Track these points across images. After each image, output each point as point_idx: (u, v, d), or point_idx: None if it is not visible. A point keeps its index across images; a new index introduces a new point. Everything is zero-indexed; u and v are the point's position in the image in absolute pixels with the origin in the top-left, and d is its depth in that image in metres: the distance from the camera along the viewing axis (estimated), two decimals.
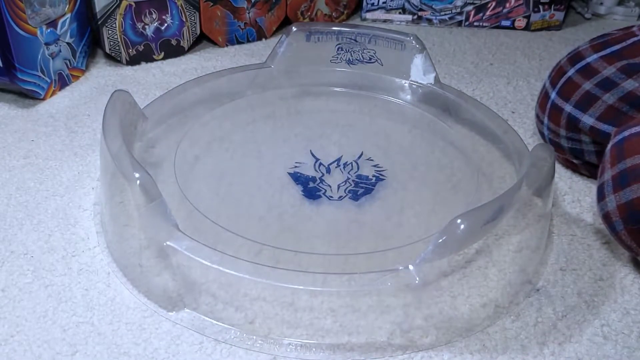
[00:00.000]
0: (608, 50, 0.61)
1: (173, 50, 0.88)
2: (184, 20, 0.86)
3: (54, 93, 0.78)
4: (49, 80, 0.76)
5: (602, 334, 0.49)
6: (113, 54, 0.84)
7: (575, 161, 0.65)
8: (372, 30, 0.75)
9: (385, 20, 1.02)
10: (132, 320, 0.48)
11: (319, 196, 0.61)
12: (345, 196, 0.61)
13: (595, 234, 0.59)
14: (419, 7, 1.01)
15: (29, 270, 0.52)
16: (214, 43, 0.92)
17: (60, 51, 0.77)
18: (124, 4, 0.81)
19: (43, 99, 0.76)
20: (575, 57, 0.63)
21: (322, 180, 0.63)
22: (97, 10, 0.80)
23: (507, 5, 0.99)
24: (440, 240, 0.45)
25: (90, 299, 0.50)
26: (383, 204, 0.60)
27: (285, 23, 0.96)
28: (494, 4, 0.99)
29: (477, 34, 1.00)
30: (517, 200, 0.51)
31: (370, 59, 0.75)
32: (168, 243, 0.47)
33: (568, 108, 0.61)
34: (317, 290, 0.48)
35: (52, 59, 0.76)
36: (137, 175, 0.48)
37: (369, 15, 1.02)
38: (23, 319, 0.48)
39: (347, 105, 0.76)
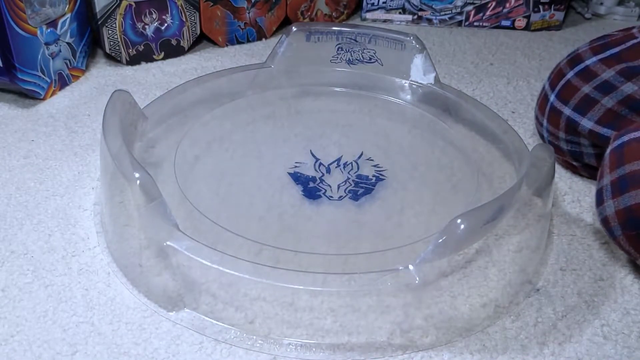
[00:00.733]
0: (607, 53, 0.60)
1: (173, 50, 0.88)
2: (184, 20, 0.86)
3: (54, 93, 0.78)
4: (49, 80, 0.76)
5: (602, 334, 0.49)
6: (113, 54, 0.84)
7: (574, 163, 0.65)
8: (372, 30, 0.75)
9: (385, 20, 1.02)
10: (132, 320, 0.48)
11: (319, 196, 0.61)
12: (345, 196, 0.61)
13: (595, 234, 0.59)
14: (419, 7, 1.01)
15: (29, 270, 0.52)
16: (214, 43, 0.92)
17: (60, 51, 0.77)
18: (124, 4, 0.81)
19: (43, 99, 0.76)
20: (574, 59, 0.63)
21: (322, 180, 0.63)
22: (97, 10, 0.80)
23: (507, 5, 0.99)
24: (440, 240, 0.45)
25: (90, 299, 0.50)
26: (383, 204, 0.60)
27: (285, 23, 0.96)
28: (494, 4, 0.99)
29: (477, 34, 1.00)
30: (517, 200, 0.52)
31: (370, 59, 0.75)
32: (168, 243, 0.47)
33: (567, 111, 0.61)
34: (317, 290, 0.48)
35: (52, 59, 0.76)
36: (137, 175, 0.49)
37: (369, 15, 1.02)
38: (23, 319, 0.48)
39: (347, 105, 0.76)
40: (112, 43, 0.83)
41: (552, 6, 0.99)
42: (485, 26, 1.01)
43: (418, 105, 0.75)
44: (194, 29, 0.88)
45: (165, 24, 0.85)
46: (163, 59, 0.87)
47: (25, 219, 0.58)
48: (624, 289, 0.53)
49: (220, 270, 0.46)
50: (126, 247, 0.54)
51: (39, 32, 0.73)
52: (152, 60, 0.86)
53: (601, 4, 1.07)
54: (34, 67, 0.73)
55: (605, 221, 0.52)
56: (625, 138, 0.52)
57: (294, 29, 0.75)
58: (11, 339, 0.46)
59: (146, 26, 0.84)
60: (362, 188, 0.62)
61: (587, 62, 0.61)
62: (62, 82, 0.79)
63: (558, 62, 0.66)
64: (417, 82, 0.75)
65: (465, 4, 1.00)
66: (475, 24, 1.01)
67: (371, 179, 0.63)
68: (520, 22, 1.01)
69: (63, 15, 0.76)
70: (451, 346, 0.47)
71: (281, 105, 0.76)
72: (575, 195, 0.64)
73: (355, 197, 0.61)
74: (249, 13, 0.91)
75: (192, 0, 0.85)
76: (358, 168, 0.64)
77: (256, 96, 0.75)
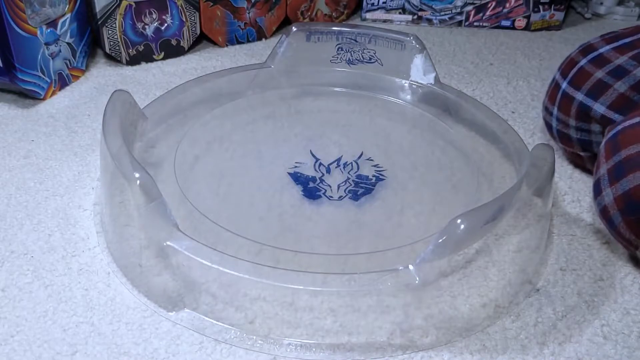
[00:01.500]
0: (620, 42, 0.61)
1: (173, 50, 0.88)
2: (184, 20, 0.86)
3: (54, 93, 0.78)
4: (49, 80, 0.76)
5: (602, 334, 0.49)
6: (113, 54, 0.84)
7: (582, 154, 0.65)
8: (372, 30, 0.75)
9: (385, 20, 1.02)
10: (132, 320, 0.48)
11: (319, 196, 0.61)
12: (345, 196, 0.61)
13: (595, 234, 0.59)
14: (419, 7, 1.01)
15: (29, 270, 0.52)
16: (214, 43, 0.92)
17: (60, 51, 0.77)
18: (124, 4, 0.81)
19: (43, 99, 0.76)
20: (587, 49, 0.63)
21: (322, 180, 0.63)
22: (97, 10, 0.80)
23: (507, 5, 0.99)
24: (440, 240, 0.45)
25: (90, 299, 0.50)
26: (383, 204, 0.60)
27: (285, 23, 0.96)
28: (494, 4, 0.99)
29: (477, 34, 1.00)
30: (517, 200, 0.51)
31: (370, 59, 0.75)
32: (168, 243, 0.47)
33: (579, 97, 0.61)
34: (317, 290, 0.48)
35: (52, 59, 0.76)
36: (137, 175, 0.49)
37: (369, 15, 1.02)
38: (23, 319, 0.48)
39: (347, 105, 0.76)
40: (112, 43, 0.83)
41: (552, 6, 0.99)
42: (485, 26, 1.01)
43: (418, 105, 0.75)
44: (194, 29, 0.88)
45: (165, 24, 0.85)
46: (163, 59, 0.87)
47: (25, 219, 0.58)
48: (624, 289, 0.53)
49: (220, 270, 0.46)
50: (126, 247, 0.54)
51: (39, 32, 0.73)
52: (152, 60, 0.86)
53: (601, 4, 1.07)
54: (34, 67, 0.73)
55: (604, 211, 0.52)
56: (619, 127, 0.53)
57: (294, 29, 0.75)
58: (11, 339, 0.46)
59: (146, 26, 0.84)
60: (362, 188, 0.62)
61: (601, 50, 0.61)
62: (62, 82, 0.79)
63: (568, 55, 0.65)
64: (417, 82, 0.75)
65: (465, 4, 1.00)
66: (475, 24, 1.01)
67: (371, 179, 0.63)
68: (520, 22, 1.01)
69: (63, 15, 0.76)
70: (451, 346, 0.47)
71: (281, 105, 0.76)
72: (575, 195, 0.64)
73: (355, 197, 0.61)
74: (249, 13, 0.91)
75: (192, 0, 0.85)
76: (358, 168, 0.64)
77: (256, 96, 0.75)
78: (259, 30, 0.93)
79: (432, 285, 0.51)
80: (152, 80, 0.82)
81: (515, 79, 0.86)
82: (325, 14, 0.99)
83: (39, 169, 0.64)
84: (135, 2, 0.81)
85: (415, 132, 0.72)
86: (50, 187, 0.62)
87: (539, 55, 0.93)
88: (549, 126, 0.67)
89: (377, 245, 0.54)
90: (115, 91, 0.60)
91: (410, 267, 0.45)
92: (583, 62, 0.62)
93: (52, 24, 0.75)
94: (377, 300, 0.49)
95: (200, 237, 0.48)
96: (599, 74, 0.60)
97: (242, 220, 0.57)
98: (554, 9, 1.00)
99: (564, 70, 0.64)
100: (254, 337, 0.47)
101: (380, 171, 0.64)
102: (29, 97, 0.76)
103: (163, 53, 0.87)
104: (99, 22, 0.81)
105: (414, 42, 0.73)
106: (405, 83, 0.75)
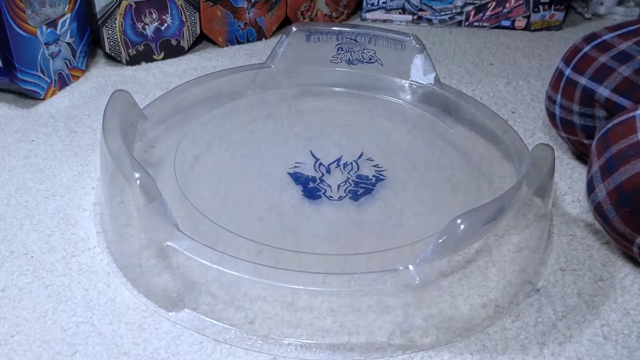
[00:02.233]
0: (624, 30, 0.61)
1: (173, 50, 0.88)
2: (184, 20, 0.86)
3: (54, 93, 0.78)
4: (49, 80, 0.76)
5: (602, 334, 0.49)
6: (113, 54, 0.84)
7: (586, 141, 0.65)
8: (372, 30, 0.75)
9: (385, 20, 1.02)
10: (132, 320, 0.48)
11: (319, 196, 0.61)
12: (345, 196, 0.61)
13: (595, 234, 0.59)
14: (419, 7, 1.01)
15: (29, 270, 0.52)
16: (214, 43, 0.92)
17: (60, 51, 0.77)
18: (124, 4, 0.81)
19: (43, 99, 0.76)
20: (590, 37, 0.64)
21: (322, 180, 0.63)
22: (97, 10, 0.80)
23: (507, 5, 0.99)
24: (440, 240, 0.45)
25: (90, 299, 0.50)
26: (383, 204, 0.60)
27: (285, 23, 0.96)
28: (494, 4, 0.99)
29: (477, 34, 1.00)
30: (517, 200, 0.51)
31: (370, 59, 0.75)
32: (168, 243, 0.47)
33: (583, 81, 0.61)
34: (317, 290, 0.48)
35: (52, 59, 0.76)
36: (137, 175, 0.49)
37: (369, 15, 1.02)
38: (23, 319, 0.48)
39: (347, 105, 0.76)
40: (112, 43, 0.83)
41: (552, 6, 0.99)
42: (485, 26, 1.01)
43: (418, 105, 0.75)
44: (194, 29, 0.88)
45: (165, 24, 0.85)
46: (163, 59, 0.87)
47: (25, 219, 0.58)
48: (624, 289, 0.53)
49: (220, 270, 0.46)
50: (126, 247, 0.54)
51: (39, 32, 0.73)
52: (152, 60, 0.86)
53: (601, 4, 1.07)
54: (34, 67, 0.73)
55: (598, 208, 0.52)
56: (609, 125, 0.53)
57: (294, 29, 0.75)
58: (11, 339, 0.46)
59: (146, 26, 0.84)
60: (362, 188, 0.62)
61: (605, 37, 0.62)
62: (62, 82, 0.79)
63: (572, 44, 0.66)
64: (417, 82, 0.75)
65: (465, 4, 1.00)
66: (475, 24, 1.01)
67: (371, 179, 0.63)
68: (520, 22, 1.01)
69: (63, 15, 0.76)
70: (451, 346, 0.47)
71: (281, 105, 0.76)
72: (575, 195, 0.64)
73: (355, 197, 0.61)
74: (249, 13, 0.91)
75: (192, 0, 0.85)
76: (358, 168, 0.64)
77: (256, 96, 0.75)
78: (259, 30, 0.93)
79: (432, 285, 0.51)
80: (152, 80, 0.82)
81: (515, 79, 0.86)
82: (325, 14, 0.99)
83: (39, 169, 0.64)
84: (135, 2, 0.81)
85: (415, 132, 0.72)
86: (50, 187, 0.62)
87: (539, 55, 0.93)
88: (552, 115, 0.66)
89: (377, 245, 0.54)
90: (115, 91, 0.60)
91: (410, 267, 0.45)
92: (587, 48, 0.62)
93: (52, 24, 0.75)
94: (377, 300, 0.49)
95: (200, 237, 0.48)
96: (603, 58, 0.60)
97: (242, 220, 0.57)
98: (554, 9, 1.00)
99: (568, 57, 0.64)
100: (254, 337, 0.47)
101: (380, 171, 0.64)
102: (29, 97, 0.76)
103: (163, 53, 0.87)
104: (99, 22, 0.81)
105: (414, 42, 0.73)
106: (405, 83, 0.75)
